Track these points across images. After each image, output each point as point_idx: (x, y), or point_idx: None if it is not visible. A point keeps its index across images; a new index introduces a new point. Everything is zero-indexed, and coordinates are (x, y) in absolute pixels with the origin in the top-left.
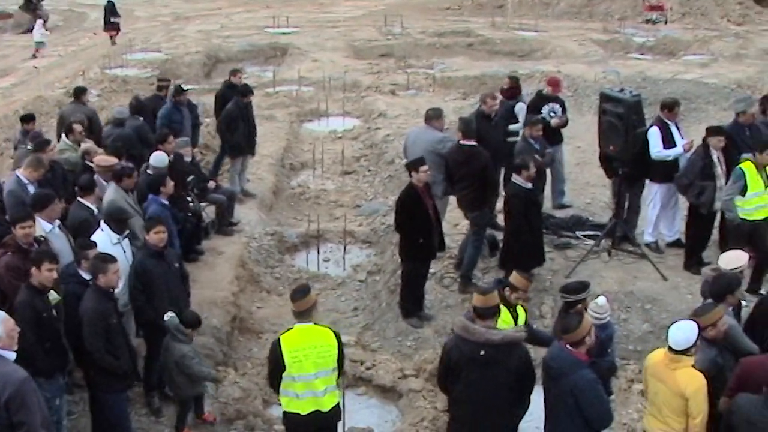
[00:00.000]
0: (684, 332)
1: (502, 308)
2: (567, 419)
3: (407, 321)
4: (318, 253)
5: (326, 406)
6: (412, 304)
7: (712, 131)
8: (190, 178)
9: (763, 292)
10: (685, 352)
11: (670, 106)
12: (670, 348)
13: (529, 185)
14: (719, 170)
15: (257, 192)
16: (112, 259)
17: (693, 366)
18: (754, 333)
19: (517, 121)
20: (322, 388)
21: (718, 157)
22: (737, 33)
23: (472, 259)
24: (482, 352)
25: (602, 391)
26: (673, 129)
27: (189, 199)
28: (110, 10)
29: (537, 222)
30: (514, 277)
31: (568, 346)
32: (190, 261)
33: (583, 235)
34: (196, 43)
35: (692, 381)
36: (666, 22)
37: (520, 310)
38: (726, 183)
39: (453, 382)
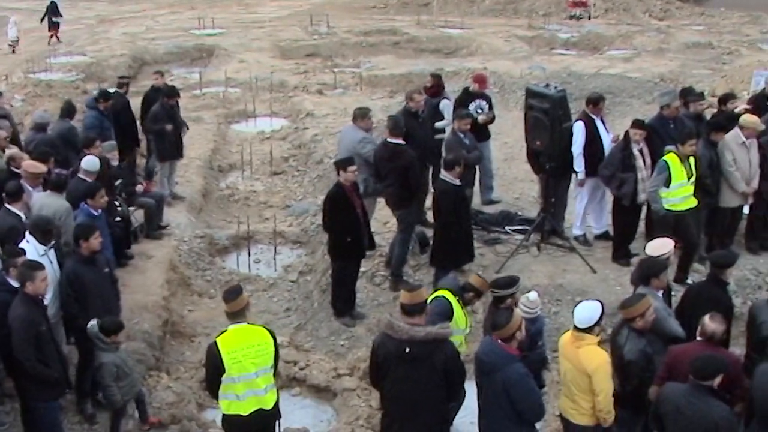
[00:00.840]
0: (588, 311)
1: (460, 310)
2: (500, 413)
3: (340, 320)
4: (249, 254)
5: (268, 404)
6: (343, 303)
7: (633, 124)
8: (118, 182)
9: (689, 281)
10: (588, 330)
11: (595, 101)
12: (574, 327)
13: (458, 182)
14: (640, 162)
15: (186, 194)
16: (39, 266)
17: (600, 345)
18: (683, 322)
19: (443, 119)
20: (263, 386)
21: (640, 150)
22: (659, 28)
23: (400, 257)
24: (407, 349)
25: (534, 384)
26: (599, 124)
27: (117, 203)
28: (53, 10)
29: (466, 218)
30: (475, 279)
31: (499, 341)
32: (120, 266)
33: (513, 230)
34: (121, 46)
35: (594, 358)
36: (590, 18)
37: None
38: (649, 175)
39: (382, 378)
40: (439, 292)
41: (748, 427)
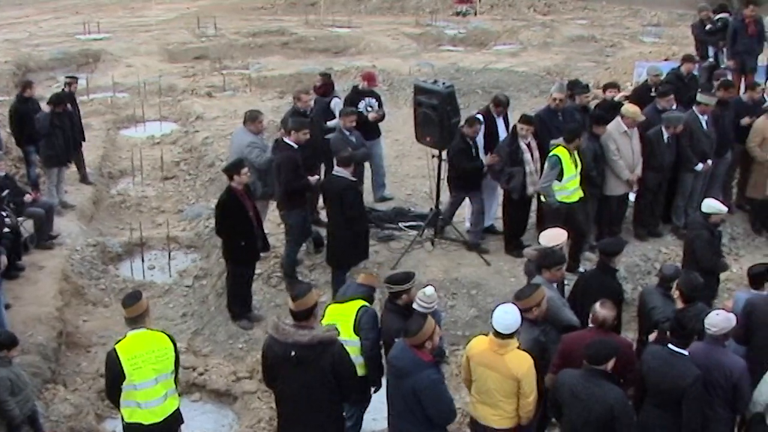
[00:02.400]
0: (511, 316)
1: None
2: (410, 416)
3: (237, 323)
4: (142, 261)
5: (168, 410)
6: (240, 306)
7: (520, 119)
8: (5, 192)
9: (581, 269)
10: (512, 335)
11: (498, 102)
12: (497, 333)
13: (354, 178)
14: (527, 156)
15: (76, 203)
16: None
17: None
18: (575, 310)
19: (335, 118)
20: (162, 393)
21: (528, 144)
22: (544, 22)
23: (289, 258)
24: (293, 353)
25: (446, 390)
26: (499, 123)
27: (5, 214)
28: None
29: (364, 214)
30: (363, 278)
31: (411, 346)
32: (11, 278)
33: (406, 227)
34: (4, 53)
35: (522, 362)
36: (476, 14)
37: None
38: (538, 168)
39: (273, 380)
40: (359, 302)
41: (640, 408)
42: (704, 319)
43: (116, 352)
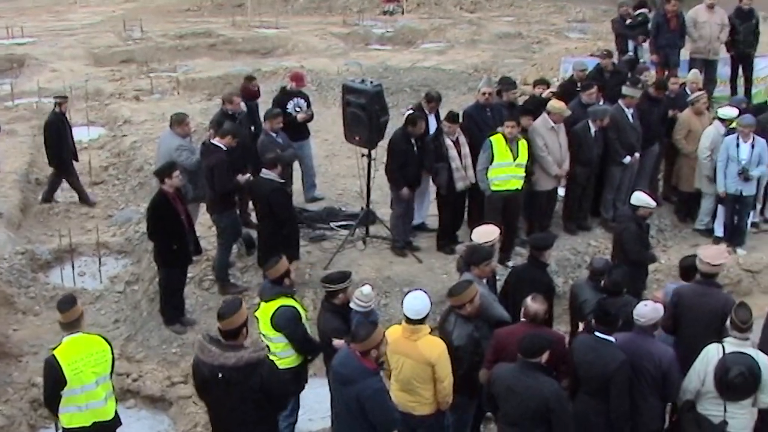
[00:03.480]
0: (419, 302)
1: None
2: (354, 423)
3: (170, 328)
4: (72, 267)
5: (109, 413)
6: (173, 310)
7: (446, 117)
8: None
9: (510, 264)
10: (422, 321)
11: (430, 98)
12: (408, 320)
13: (282, 179)
14: (453, 152)
15: (3, 210)
16: None
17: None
18: (507, 304)
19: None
20: (103, 395)
21: (456, 140)
22: (470, 20)
23: (221, 261)
24: (220, 375)
25: (389, 399)
26: (431, 119)
27: None
28: None
29: (294, 215)
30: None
31: (356, 352)
32: None
33: (338, 226)
34: None
35: (435, 347)
36: (403, 13)
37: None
38: (468, 164)
39: (204, 396)
40: (278, 301)
41: (575, 398)
42: (632, 310)
43: (56, 359)
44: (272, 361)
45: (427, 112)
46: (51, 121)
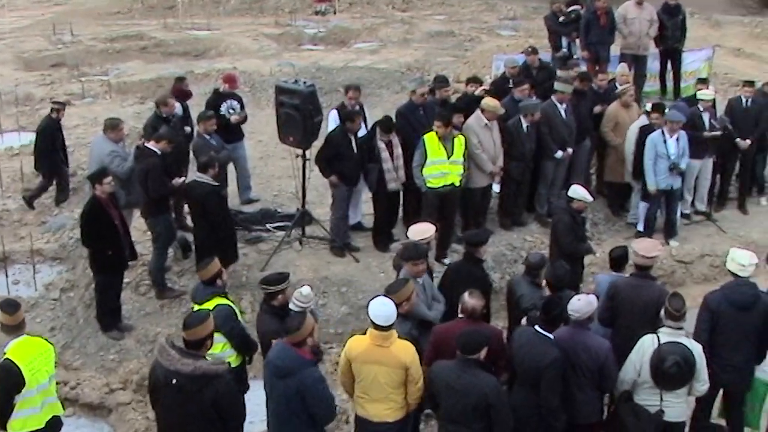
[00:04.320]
0: (389, 307)
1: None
2: (292, 417)
3: (107, 334)
4: (6, 275)
5: (60, 409)
6: (110, 316)
7: (380, 125)
8: None
9: (447, 260)
10: (392, 326)
11: (347, 89)
12: (378, 327)
13: (216, 182)
14: (385, 154)
15: None
16: None
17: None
18: (453, 301)
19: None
20: (54, 393)
21: (389, 141)
22: (402, 19)
23: (157, 265)
24: (174, 381)
25: (328, 388)
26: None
27: None
28: None
29: (229, 218)
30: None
31: (292, 345)
32: None
33: (274, 228)
34: None
35: (408, 349)
36: (335, 13)
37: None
38: (400, 164)
39: (155, 403)
40: (213, 301)
41: (512, 392)
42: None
43: (12, 361)
44: (231, 379)
45: (349, 107)
46: (45, 127)
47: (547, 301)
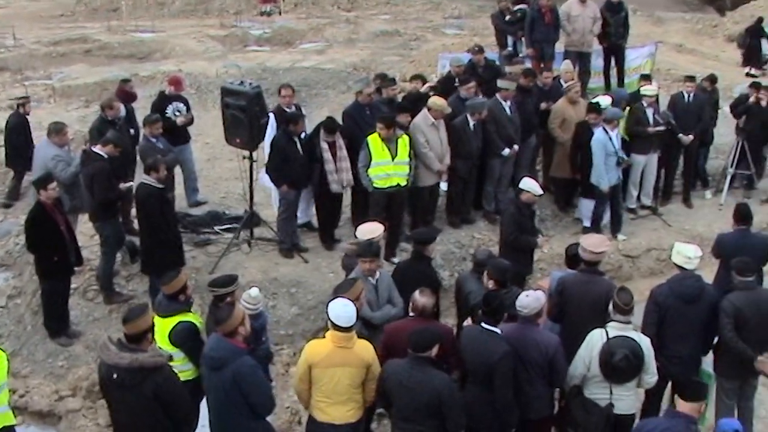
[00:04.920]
0: (350, 308)
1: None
2: (232, 409)
3: (56, 341)
4: None
5: (11, 419)
6: (57, 322)
7: (323, 126)
8: None
9: (395, 260)
10: (353, 327)
11: (279, 90)
12: (341, 328)
13: (161, 185)
14: (327, 155)
15: None
16: None
17: None
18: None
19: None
20: (6, 401)
21: (333, 142)
22: (348, 19)
23: (105, 269)
24: (115, 375)
25: (263, 376)
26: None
27: None
28: None
29: (174, 221)
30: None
31: (224, 336)
32: None
33: (222, 230)
34: None
35: (369, 348)
36: (280, 13)
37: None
38: (344, 166)
39: (105, 398)
40: (176, 318)
41: (464, 390)
42: (515, 300)
43: None
44: (172, 371)
45: (285, 108)
46: (15, 122)
47: (485, 296)
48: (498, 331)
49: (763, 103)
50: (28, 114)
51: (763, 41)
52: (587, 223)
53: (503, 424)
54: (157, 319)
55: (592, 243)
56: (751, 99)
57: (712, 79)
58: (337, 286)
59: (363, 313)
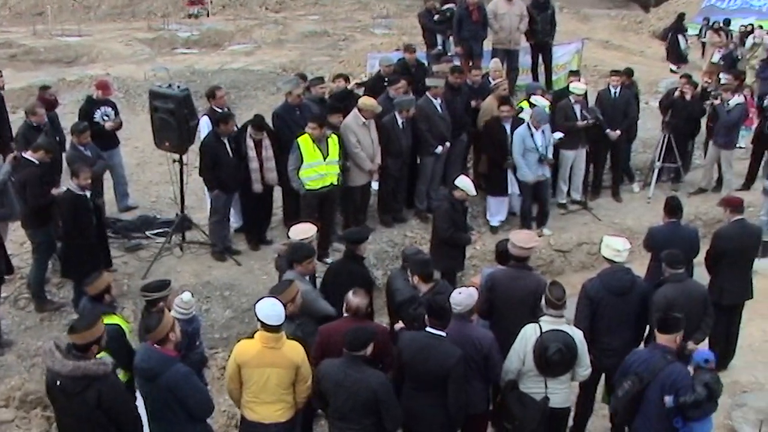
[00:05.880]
0: (278, 307)
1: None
2: (171, 417)
3: None
4: None
5: None
6: None
7: (252, 123)
8: None
9: (328, 260)
10: (281, 327)
11: (210, 94)
12: (269, 328)
13: (81, 190)
14: (252, 154)
15: None
16: None
17: None
18: (328, 300)
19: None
20: None
21: (259, 141)
22: (276, 20)
23: (36, 277)
24: (58, 382)
25: (198, 381)
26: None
27: None
28: None
29: (92, 226)
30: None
31: (155, 345)
32: None
33: (154, 234)
34: None
35: (298, 349)
36: (208, 15)
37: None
38: (271, 166)
39: (53, 405)
40: (105, 320)
41: (400, 390)
42: (448, 297)
43: None
44: (117, 380)
45: (216, 108)
46: None
47: (436, 299)
48: (444, 334)
49: (687, 97)
50: (2, 88)
51: (681, 37)
52: (495, 222)
53: (452, 426)
54: None
55: (520, 239)
56: (676, 93)
57: (629, 73)
58: (273, 288)
59: (320, 309)
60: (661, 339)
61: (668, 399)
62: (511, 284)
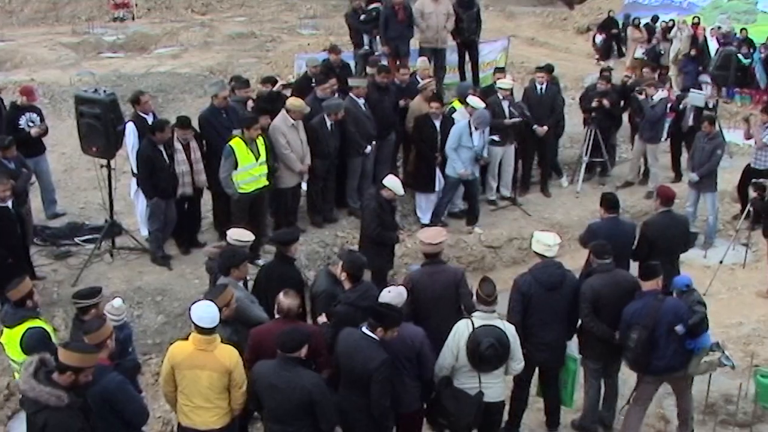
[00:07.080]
0: (212, 309)
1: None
2: (105, 424)
3: None
4: None
5: None
6: None
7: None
8: None
9: (260, 262)
10: (215, 329)
11: (134, 100)
12: (202, 330)
13: (3, 203)
14: (180, 156)
15: None
16: None
17: None
18: (260, 303)
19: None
20: None
21: (187, 144)
22: (203, 22)
23: None
24: (21, 396)
25: (133, 389)
26: (149, 118)
27: None
28: None
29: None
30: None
31: None
32: None
33: (83, 241)
34: None
35: (231, 353)
36: (133, 19)
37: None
38: (199, 168)
39: None
40: (24, 325)
41: (337, 390)
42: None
43: None
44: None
45: (142, 115)
46: None
47: (380, 306)
48: (377, 338)
49: (606, 103)
50: None
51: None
52: (426, 220)
53: (379, 429)
54: (7, 331)
55: (429, 235)
56: (594, 103)
57: (549, 69)
58: (207, 292)
59: (253, 315)
60: (646, 285)
61: (679, 328)
62: (428, 280)
